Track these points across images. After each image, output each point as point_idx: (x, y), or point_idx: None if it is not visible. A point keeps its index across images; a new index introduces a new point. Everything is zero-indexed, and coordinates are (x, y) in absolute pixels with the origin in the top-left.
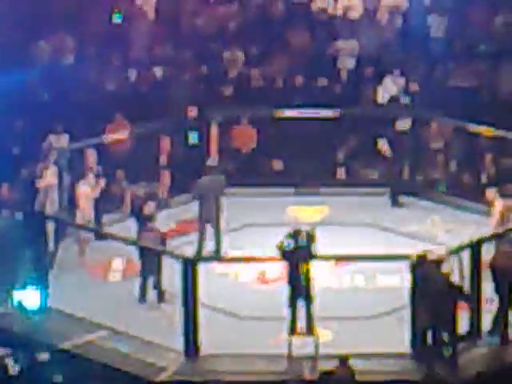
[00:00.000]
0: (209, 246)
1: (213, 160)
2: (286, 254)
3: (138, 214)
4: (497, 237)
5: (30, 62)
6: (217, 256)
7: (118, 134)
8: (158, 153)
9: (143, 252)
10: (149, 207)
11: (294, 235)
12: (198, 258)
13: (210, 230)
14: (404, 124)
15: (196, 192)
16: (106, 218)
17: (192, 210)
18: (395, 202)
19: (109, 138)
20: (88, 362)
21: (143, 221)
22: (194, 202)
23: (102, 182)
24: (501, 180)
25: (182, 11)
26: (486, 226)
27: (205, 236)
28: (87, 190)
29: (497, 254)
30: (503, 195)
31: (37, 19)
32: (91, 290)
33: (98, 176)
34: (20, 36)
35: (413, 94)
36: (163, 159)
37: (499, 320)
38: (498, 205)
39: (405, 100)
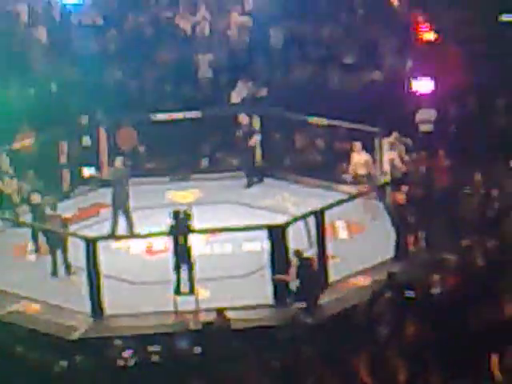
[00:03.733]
0: (120, 226)
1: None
2: (169, 230)
3: (28, 203)
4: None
5: None
6: (118, 235)
7: (25, 141)
8: (58, 154)
9: (49, 235)
10: (34, 197)
11: (174, 214)
12: (97, 237)
13: (121, 211)
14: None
15: (112, 182)
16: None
17: (90, 198)
18: (251, 183)
19: (17, 144)
20: (14, 327)
21: (34, 208)
22: (91, 192)
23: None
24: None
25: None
26: (326, 198)
27: (117, 218)
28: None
29: None
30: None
31: None
32: (13, 269)
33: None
34: None
35: (261, 96)
36: (62, 159)
37: None
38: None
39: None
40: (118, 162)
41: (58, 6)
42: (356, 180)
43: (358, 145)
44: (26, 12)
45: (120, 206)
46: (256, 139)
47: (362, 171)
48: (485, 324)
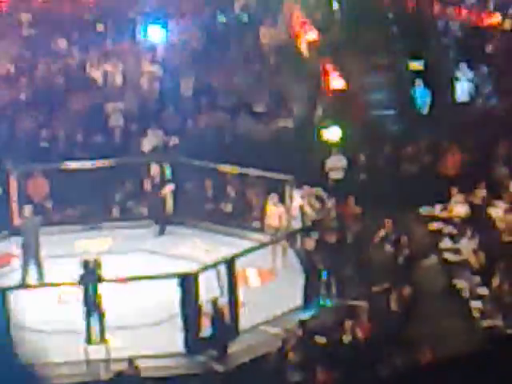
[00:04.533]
0: (31, 275)
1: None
2: (79, 279)
3: None
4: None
5: None
6: (27, 284)
7: None
8: None
9: None
10: None
11: (84, 263)
12: (7, 287)
13: (32, 261)
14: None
15: (22, 231)
16: None
17: (2, 246)
18: (161, 231)
19: None
20: None
21: None
22: (4, 240)
23: None
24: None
25: None
26: (237, 246)
27: (28, 267)
28: None
29: None
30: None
31: None
32: None
33: None
34: None
35: (172, 144)
36: None
37: None
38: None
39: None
40: (28, 210)
41: None
42: (269, 231)
43: (274, 196)
44: None
45: (31, 255)
46: (169, 188)
47: (275, 223)
48: (397, 370)
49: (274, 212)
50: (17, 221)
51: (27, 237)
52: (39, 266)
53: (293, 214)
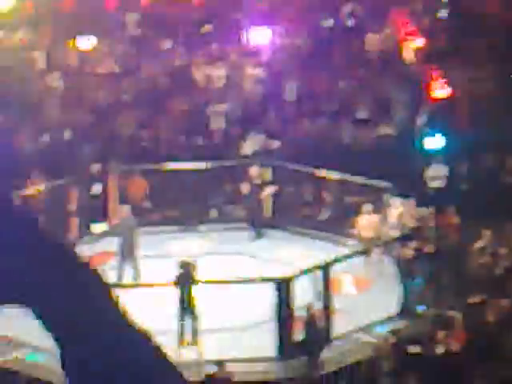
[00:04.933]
0: (128, 274)
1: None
2: (176, 281)
3: None
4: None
5: None
6: (123, 283)
7: (35, 188)
8: (66, 201)
9: None
10: None
11: (181, 264)
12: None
13: (128, 260)
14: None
15: (118, 230)
16: None
17: (97, 246)
18: (259, 235)
19: (28, 190)
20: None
21: None
22: (98, 240)
23: None
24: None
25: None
26: (333, 253)
27: (124, 267)
28: None
29: None
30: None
31: None
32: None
33: None
34: None
35: (272, 149)
36: (71, 207)
37: None
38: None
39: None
40: (125, 210)
41: (74, 53)
42: (362, 241)
43: (368, 207)
44: (43, 59)
45: (127, 254)
46: (269, 191)
47: (368, 234)
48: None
49: (368, 222)
50: (114, 220)
51: (124, 236)
52: (135, 265)
53: (391, 222)
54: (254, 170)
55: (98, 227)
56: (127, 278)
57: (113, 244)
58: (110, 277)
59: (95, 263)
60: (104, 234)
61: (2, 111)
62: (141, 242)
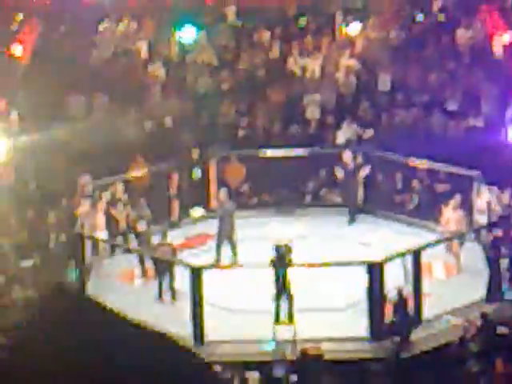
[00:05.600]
0: (227, 256)
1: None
2: (272, 262)
3: (132, 231)
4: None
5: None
6: (220, 264)
7: (139, 172)
8: (168, 185)
9: (157, 262)
10: (140, 225)
11: (277, 247)
12: (202, 266)
13: (226, 243)
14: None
15: (219, 213)
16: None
17: (197, 228)
18: (352, 219)
19: (132, 174)
20: None
21: (138, 236)
22: (198, 222)
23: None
24: (435, 201)
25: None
26: (424, 238)
27: (222, 248)
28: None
29: None
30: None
31: None
32: (120, 293)
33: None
34: None
35: (365, 138)
36: (173, 190)
37: None
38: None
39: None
40: (223, 194)
41: (175, 44)
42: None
43: (453, 202)
44: (146, 49)
45: (225, 236)
46: (362, 174)
47: (453, 228)
48: None
49: (453, 217)
50: (214, 203)
51: (222, 219)
52: (233, 247)
53: (480, 209)
54: (347, 156)
55: (197, 211)
56: (226, 260)
57: (212, 226)
58: (210, 258)
59: (195, 244)
60: (203, 217)
61: (109, 99)
62: (238, 224)
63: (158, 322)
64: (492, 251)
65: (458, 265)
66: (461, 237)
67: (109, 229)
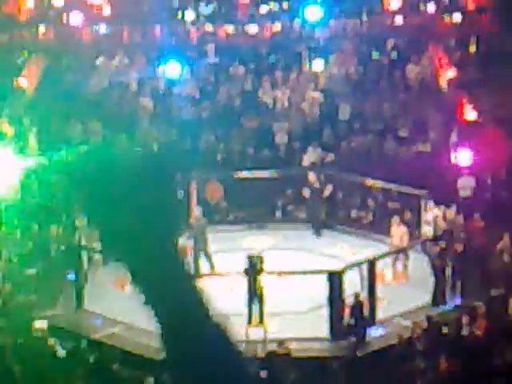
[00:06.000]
0: (203, 266)
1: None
2: (245, 271)
3: None
4: (384, 256)
5: None
6: (200, 274)
7: None
8: None
9: None
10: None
11: (249, 258)
12: None
13: (202, 254)
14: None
15: (194, 229)
16: None
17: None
18: (317, 233)
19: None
20: (111, 347)
21: None
22: (182, 234)
23: None
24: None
25: None
26: (378, 250)
27: (198, 259)
28: None
29: None
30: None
31: None
32: (113, 298)
33: None
34: None
35: (327, 161)
36: None
37: None
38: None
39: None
40: (198, 212)
41: (162, 79)
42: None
43: (396, 219)
44: (136, 83)
45: (199, 249)
46: (327, 191)
47: (397, 242)
48: (508, 364)
49: (397, 232)
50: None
51: (196, 233)
52: (209, 258)
53: (427, 224)
54: (312, 177)
55: None
56: (203, 269)
57: (191, 239)
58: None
59: None
60: (183, 231)
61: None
62: (216, 237)
63: (147, 323)
64: (437, 261)
65: (405, 273)
66: (404, 249)
67: None
